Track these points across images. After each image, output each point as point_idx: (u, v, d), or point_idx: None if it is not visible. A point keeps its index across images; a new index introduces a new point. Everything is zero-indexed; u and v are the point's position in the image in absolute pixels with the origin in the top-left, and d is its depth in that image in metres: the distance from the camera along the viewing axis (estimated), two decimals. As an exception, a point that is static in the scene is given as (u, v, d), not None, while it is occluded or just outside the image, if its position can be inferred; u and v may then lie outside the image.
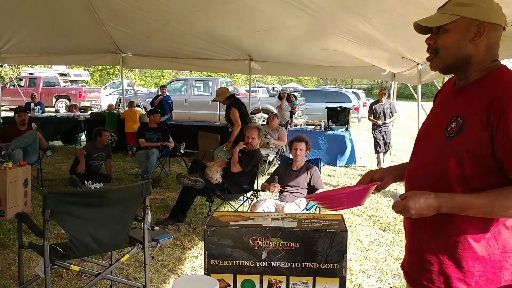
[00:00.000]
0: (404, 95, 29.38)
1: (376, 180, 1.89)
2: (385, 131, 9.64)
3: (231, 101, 7.43)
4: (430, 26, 1.61)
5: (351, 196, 1.66)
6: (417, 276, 1.66)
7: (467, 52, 1.58)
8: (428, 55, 1.66)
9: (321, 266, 1.40)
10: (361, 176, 1.97)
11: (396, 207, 1.51)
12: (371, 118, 9.78)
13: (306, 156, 5.22)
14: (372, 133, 9.91)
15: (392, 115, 9.74)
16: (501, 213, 1.47)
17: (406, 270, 1.75)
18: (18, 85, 20.42)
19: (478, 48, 1.57)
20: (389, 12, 5.08)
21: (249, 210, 5.48)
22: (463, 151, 1.51)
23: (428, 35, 1.67)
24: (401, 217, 1.81)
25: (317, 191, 4.90)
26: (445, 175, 1.55)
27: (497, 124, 1.44)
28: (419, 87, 7.45)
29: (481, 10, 1.55)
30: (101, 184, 7.33)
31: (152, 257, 4.23)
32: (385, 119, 9.60)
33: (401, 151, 12.08)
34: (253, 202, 5.49)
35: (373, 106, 9.79)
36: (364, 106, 20.34)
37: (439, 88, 1.89)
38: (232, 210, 5.65)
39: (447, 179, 1.55)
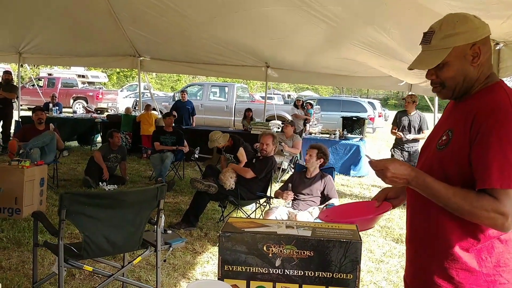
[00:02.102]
0: (420, 106, 29.13)
1: (390, 197, 1.94)
2: (408, 151, 7.53)
3: (235, 140, 6.85)
4: (429, 68, 1.64)
5: (363, 221, 1.72)
6: (414, 286, 1.69)
7: (471, 75, 1.62)
8: (433, 88, 1.70)
9: (334, 276, 1.40)
10: (377, 193, 2.01)
11: (376, 166, 1.58)
12: (395, 131, 7.64)
13: (319, 163, 5.19)
14: (391, 151, 7.82)
15: (422, 132, 7.50)
16: (452, 208, 1.50)
17: (405, 280, 1.78)
18: (37, 85, 20.73)
19: (479, 67, 1.61)
20: (408, 24, 5.08)
21: (261, 217, 5.48)
22: (450, 162, 1.56)
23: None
24: None
25: (329, 205, 4.88)
26: None
27: (475, 136, 1.49)
28: (436, 98, 7.41)
29: (468, 34, 1.58)
30: (115, 186, 7.39)
31: (164, 261, 4.26)
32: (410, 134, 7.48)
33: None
34: (265, 209, 5.49)
35: (399, 116, 7.71)
36: (379, 116, 20.24)
37: None
38: (245, 217, 5.66)
39: None
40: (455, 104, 1.71)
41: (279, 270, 1.43)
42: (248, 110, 12.22)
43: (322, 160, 5.19)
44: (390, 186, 2.04)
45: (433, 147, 1.67)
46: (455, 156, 1.54)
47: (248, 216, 5.66)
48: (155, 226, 3.41)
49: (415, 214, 1.68)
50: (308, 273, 1.42)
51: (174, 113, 11.23)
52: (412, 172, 1.55)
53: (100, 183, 7.35)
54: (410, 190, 1.70)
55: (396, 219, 6.45)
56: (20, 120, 10.90)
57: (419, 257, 1.66)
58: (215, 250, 4.89)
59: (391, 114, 28.48)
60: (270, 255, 1.42)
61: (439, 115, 7.69)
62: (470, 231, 1.53)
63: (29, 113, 8.50)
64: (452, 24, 1.59)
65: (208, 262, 4.57)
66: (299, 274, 1.43)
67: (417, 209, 1.68)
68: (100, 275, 3.70)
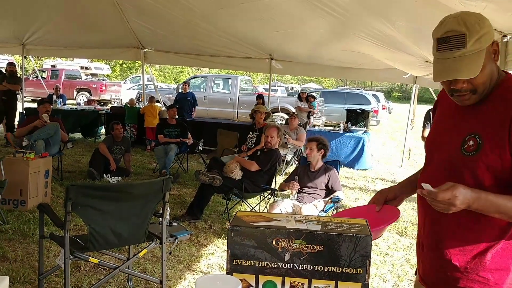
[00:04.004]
0: (424, 98, 29.06)
1: (390, 199, 1.89)
2: None
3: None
4: (475, 75, 1.48)
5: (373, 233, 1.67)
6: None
7: (494, 75, 1.55)
8: (459, 96, 1.56)
9: (344, 271, 1.39)
10: (374, 194, 1.95)
11: (441, 197, 1.43)
12: (425, 134, 6.00)
13: (320, 154, 5.16)
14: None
15: None
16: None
17: (424, 280, 1.74)
18: (41, 77, 20.73)
19: (496, 64, 1.56)
20: (414, 16, 5.04)
21: (266, 210, 5.48)
22: (483, 168, 1.49)
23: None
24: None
25: (334, 198, 4.88)
26: None
27: None
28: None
29: (490, 32, 1.52)
30: (119, 177, 7.41)
31: (170, 253, 4.27)
32: None
33: (420, 155, 11.98)
34: (270, 202, 5.49)
35: (431, 114, 6.38)
36: (383, 108, 20.17)
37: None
38: (249, 209, 5.66)
39: None
40: (465, 105, 1.60)
41: (288, 264, 1.42)
42: (259, 97, 12.13)
43: (323, 151, 5.16)
44: (386, 187, 2.01)
45: (452, 152, 1.59)
46: (492, 162, 1.48)
47: (253, 208, 5.66)
48: (161, 219, 3.41)
49: (438, 214, 1.58)
50: (317, 268, 1.41)
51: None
52: (473, 193, 1.45)
53: (104, 175, 7.36)
54: (428, 173, 1.67)
55: (401, 213, 6.44)
56: (24, 112, 10.90)
57: (445, 258, 1.62)
58: (219, 242, 4.89)
59: (395, 106, 28.50)
60: (279, 249, 1.41)
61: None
62: (504, 230, 1.52)
63: (33, 105, 8.49)
64: (476, 24, 1.47)
65: (212, 254, 4.57)
66: (309, 268, 1.42)
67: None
68: (106, 267, 3.70)
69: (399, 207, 1.90)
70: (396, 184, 2.01)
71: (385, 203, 1.90)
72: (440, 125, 1.73)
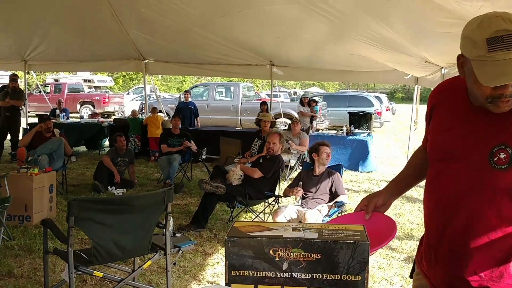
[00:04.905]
0: (427, 98, 28.92)
1: (379, 205, 1.84)
2: None
3: None
4: None
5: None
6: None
7: None
8: (503, 101, 1.43)
9: (342, 278, 1.39)
10: (361, 200, 1.89)
11: None
12: None
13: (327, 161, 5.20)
14: None
15: None
16: None
17: (432, 282, 1.68)
18: (44, 92, 20.83)
19: None
20: (412, 17, 5.04)
21: (270, 216, 5.47)
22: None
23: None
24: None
25: (338, 202, 4.87)
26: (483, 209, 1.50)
27: None
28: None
29: None
30: (124, 189, 7.42)
31: (174, 264, 4.26)
32: None
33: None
34: (274, 209, 5.48)
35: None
36: (386, 110, 20.13)
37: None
38: (254, 217, 5.66)
39: (484, 212, 1.50)
40: (486, 111, 1.47)
41: (287, 273, 1.41)
42: (263, 103, 12.16)
43: (330, 156, 5.22)
44: (373, 193, 1.93)
45: (476, 164, 1.51)
46: None
47: (257, 215, 5.65)
48: (164, 230, 3.41)
49: (464, 225, 1.54)
50: (316, 276, 1.41)
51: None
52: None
53: (109, 187, 7.37)
54: (444, 183, 1.59)
55: (406, 214, 6.42)
56: (28, 127, 10.95)
57: (468, 269, 1.56)
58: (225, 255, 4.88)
59: (399, 107, 28.41)
60: (277, 258, 1.41)
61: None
62: None
63: (37, 120, 8.52)
64: None
65: (218, 263, 4.56)
66: (307, 277, 1.41)
67: (462, 209, 1.54)
68: (111, 280, 3.70)
69: (392, 211, 1.85)
70: (383, 188, 1.96)
71: (374, 209, 1.84)
72: (452, 131, 1.60)
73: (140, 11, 7.54)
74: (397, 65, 7.93)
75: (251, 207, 5.75)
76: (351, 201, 6.14)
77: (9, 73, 11.86)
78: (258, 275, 1.42)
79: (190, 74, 24.25)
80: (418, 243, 1.83)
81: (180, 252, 3.76)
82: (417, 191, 7.30)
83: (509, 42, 1.33)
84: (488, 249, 1.52)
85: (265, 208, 5.87)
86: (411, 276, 1.88)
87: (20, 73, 17.71)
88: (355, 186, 8.31)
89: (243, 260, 1.42)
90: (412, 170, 1.94)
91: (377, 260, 4.69)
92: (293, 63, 9.71)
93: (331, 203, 4.96)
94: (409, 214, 6.44)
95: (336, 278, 1.39)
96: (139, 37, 9.19)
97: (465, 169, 1.53)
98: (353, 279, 1.39)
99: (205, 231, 5.49)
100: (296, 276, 1.40)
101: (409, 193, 7.25)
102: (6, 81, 12.27)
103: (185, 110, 12.22)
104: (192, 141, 8.48)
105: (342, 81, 33.96)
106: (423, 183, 1.83)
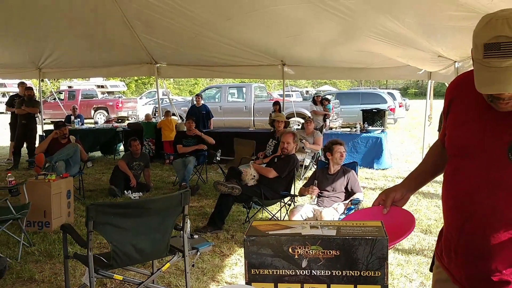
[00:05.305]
0: (441, 93, 28.69)
1: (397, 199, 1.83)
2: None
3: None
4: None
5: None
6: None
7: None
8: (501, 104, 1.43)
9: (362, 274, 1.39)
10: (379, 195, 1.88)
11: None
12: None
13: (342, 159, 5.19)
14: None
15: None
16: None
17: (455, 276, 1.66)
18: (59, 99, 21.09)
19: None
20: (423, 11, 5.01)
21: (286, 216, 5.47)
22: None
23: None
24: (442, 219, 1.76)
25: (354, 200, 4.86)
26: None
27: None
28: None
29: None
30: (140, 193, 7.47)
31: (193, 265, 4.28)
32: None
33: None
34: (290, 208, 5.48)
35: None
36: (400, 106, 20.01)
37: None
38: (270, 217, 5.66)
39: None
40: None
41: (306, 271, 1.42)
42: (275, 103, 12.16)
43: (345, 154, 5.22)
44: (390, 187, 1.91)
45: (495, 159, 1.48)
46: None
47: (273, 215, 5.66)
48: (182, 232, 3.43)
49: (485, 221, 1.52)
50: (335, 273, 1.41)
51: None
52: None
53: (125, 191, 7.43)
54: (461, 179, 1.58)
55: (423, 210, 6.37)
56: (44, 134, 11.09)
57: (490, 265, 1.54)
58: (242, 251, 4.87)
59: (412, 103, 28.23)
60: (296, 256, 1.41)
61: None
62: None
63: (52, 127, 8.63)
64: None
65: (236, 264, 4.57)
66: (327, 274, 1.41)
67: (486, 200, 1.52)
68: (131, 283, 3.74)
69: (409, 207, 1.83)
70: (400, 183, 1.94)
71: (392, 204, 1.83)
72: (468, 127, 1.58)
73: (150, 15, 7.60)
74: (409, 60, 7.88)
75: (267, 207, 5.76)
76: (367, 199, 6.11)
77: (17, 81, 12.04)
78: (278, 273, 1.42)
79: (201, 77, 24.37)
80: (436, 239, 1.81)
81: (198, 253, 3.78)
82: (434, 186, 7.25)
83: (506, 50, 1.29)
84: (509, 244, 1.50)
85: (281, 208, 5.87)
86: (431, 270, 1.86)
87: (34, 81, 17.95)
88: (370, 184, 8.27)
89: (262, 259, 1.43)
90: (429, 166, 1.92)
91: (395, 257, 4.67)
92: (305, 62, 9.71)
93: (347, 201, 4.94)
94: (426, 210, 6.39)
95: (355, 275, 1.39)
96: (150, 41, 9.26)
97: (482, 165, 1.52)
98: (372, 275, 1.39)
99: (222, 233, 5.50)
100: (315, 274, 1.41)
101: (425, 189, 7.20)
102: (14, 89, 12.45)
103: (198, 114, 12.24)
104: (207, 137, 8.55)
105: (354, 79, 33.81)
106: (440, 178, 1.82)
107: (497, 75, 1.32)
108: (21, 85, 10.97)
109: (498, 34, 1.30)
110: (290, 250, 1.41)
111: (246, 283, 1.44)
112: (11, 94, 12.96)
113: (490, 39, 1.32)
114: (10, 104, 10.90)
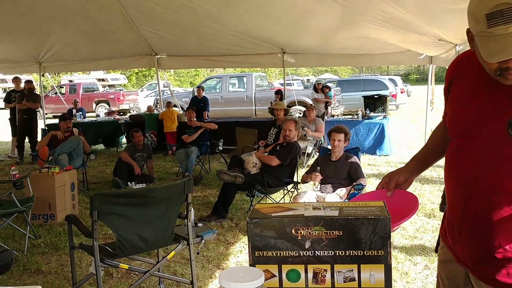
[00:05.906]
0: (443, 78, 28.56)
1: (401, 182, 1.82)
2: None
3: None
4: None
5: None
6: (493, 275, 1.58)
7: None
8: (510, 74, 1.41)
9: (365, 253, 1.39)
10: (383, 178, 1.87)
11: None
12: None
13: (344, 146, 5.18)
14: None
15: None
16: None
17: (471, 267, 1.64)
18: (60, 93, 21.10)
19: None
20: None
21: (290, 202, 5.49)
22: None
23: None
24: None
25: (357, 185, 4.85)
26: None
27: None
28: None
29: None
30: (143, 184, 7.49)
31: (197, 253, 4.31)
32: None
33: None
34: (294, 195, 5.49)
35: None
36: (401, 92, 19.95)
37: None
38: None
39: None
40: (500, 83, 1.45)
41: (310, 252, 1.42)
42: (277, 92, 12.14)
43: (347, 142, 5.18)
44: (394, 170, 1.90)
45: (494, 136, 1.49)
46: None
47: (277, 203, 5.67)
48: (186, 220, 3.45)
49: (488, 200, 1.52)
50: (338, 253, 1.42)
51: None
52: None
53: (129, 183, 7.45)
54: (463, 159, 1.58)
55: (427, 194, 6.38)
56: (46, 128, 11.10)
57: (493, 243, 1.54)
58: (247, 239, 4.91)
59: (414, 89, 28.14)
60: (299, 237, 1.42)
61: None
62: None
63: (55, 121, 8.63)
64: None
65: (241, 251, 4.60)
66: (330, 254, 1.42)
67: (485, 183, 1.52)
68: (137, 272, 3.77)
69: (412, 192, 1.83)
70: (404, 166, 1.93)
71: (396, 187, 1.82)
72: (468, 105, 1.59)
73: (149, 7, 7.57)
74: (410, 45, 7.84)
75: (270, 195, 5.77)
76: (370, 184, 6.13)
77: (25, 76, 12.04)
78: (282, 254, 1.43)
79: (202, 67, 24.27)
80: (440, 223, 1.81)
81: (203, 241, 3.80)
82: (437, 171, 7.25)
83: (508, 16, 1.29)
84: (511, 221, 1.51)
85: (284, 195, 5.89)
86: (436, 251, 1.86)
87: (35, 76, 17.95)
88: (373, 170, 8.28)
89: (265, 241, 1.43)
90: (433, 148, 1.91)
91: (399, 241, 4.69)
92: (305, 50, 9.66)
93: (350, 187, 4.95)
94: (429, 194, 6.40)
95: (359, 254, 1.40)
96: (150, 32, 9.22)
97: (484, 143, 1.52)
98: (375, 254, 1.39)
99: (226, 221, 5.53)
100: (319, 254, 1.41)
101: (428, 173, 7.22)
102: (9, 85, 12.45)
103: (198, 106, 12.26)
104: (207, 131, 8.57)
105: (355, 65, 33.68)
106: (442, 162, 1.82)
107: (505, 42, 1.32)
108: (16, 80, 10.96)
109: (498, 3, 1.31)
110: (293, 231, 1.42)
111: (250, 265, 1.45)
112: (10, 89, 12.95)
113: (491, 8, 1.32)
114: (7, 100, 10.82)
